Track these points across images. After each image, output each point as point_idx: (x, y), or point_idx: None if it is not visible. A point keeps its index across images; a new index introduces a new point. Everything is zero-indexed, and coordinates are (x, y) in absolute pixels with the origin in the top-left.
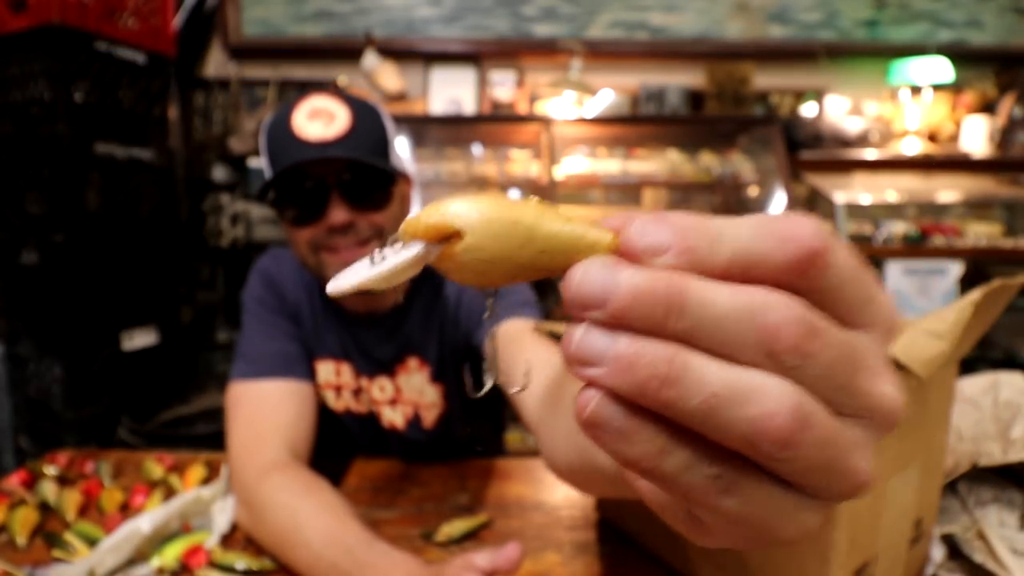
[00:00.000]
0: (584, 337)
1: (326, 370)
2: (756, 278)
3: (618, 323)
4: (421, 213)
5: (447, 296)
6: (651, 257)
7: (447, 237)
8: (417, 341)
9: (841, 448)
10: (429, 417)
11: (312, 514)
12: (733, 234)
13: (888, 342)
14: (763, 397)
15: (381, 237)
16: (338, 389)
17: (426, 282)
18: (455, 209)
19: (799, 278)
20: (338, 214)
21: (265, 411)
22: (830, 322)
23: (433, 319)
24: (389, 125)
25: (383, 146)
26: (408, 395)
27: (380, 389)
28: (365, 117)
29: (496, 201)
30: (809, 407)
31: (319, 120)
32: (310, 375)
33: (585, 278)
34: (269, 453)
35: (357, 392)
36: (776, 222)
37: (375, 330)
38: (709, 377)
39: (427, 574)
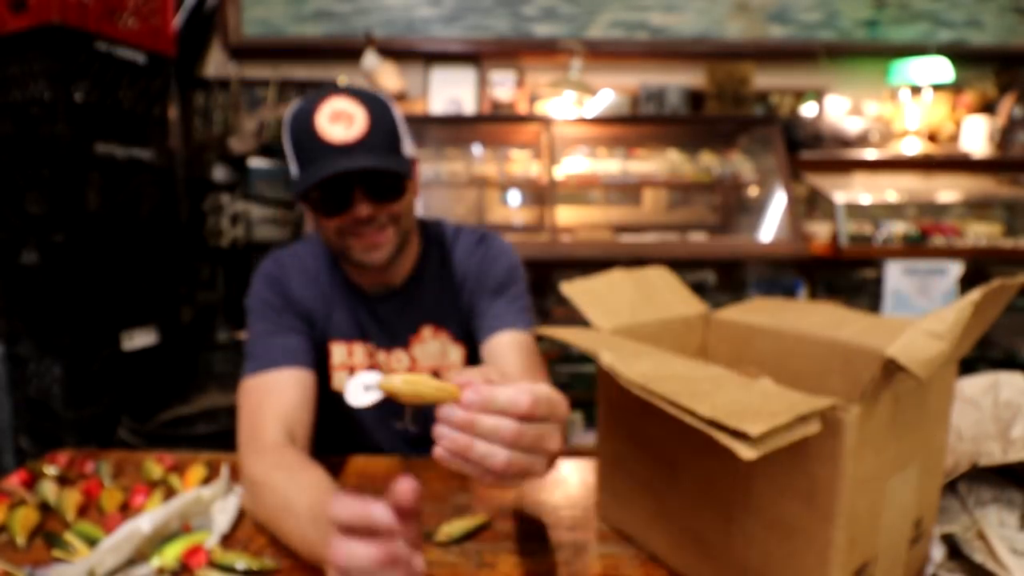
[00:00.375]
0: (441, 430)
1: (339, 352)
2: (511, 415)
3: (453, 428)
4: (384, 381)
5: (462, 265)
6: (468, 407)
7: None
8: (431, 309)
9: (532, 467)
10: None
11: (300, 491)
12: (501, 398)
13: (562, 424)
14: (496, 456)
15: (396, 222)
16: (351, 369)
17: (435, 252)
18: (395, 384)
19: (525, 415)
20: (362, 209)
21: (268, 398)
22: (534, 424)
23: (446, 286)
24: (398, 116)
25: (396, 139)
26: (424, 363)
27: (397, 360)
28: (379, 114)
29: (413, 381)
30: (514, 458)
31: (340, 123)
32: (314, 365)
33: (442, 412)
34: (268, 436)
35: (370, 370)
36: (517, 393)
37: (391, 302)
38: (480, 449)
39: None
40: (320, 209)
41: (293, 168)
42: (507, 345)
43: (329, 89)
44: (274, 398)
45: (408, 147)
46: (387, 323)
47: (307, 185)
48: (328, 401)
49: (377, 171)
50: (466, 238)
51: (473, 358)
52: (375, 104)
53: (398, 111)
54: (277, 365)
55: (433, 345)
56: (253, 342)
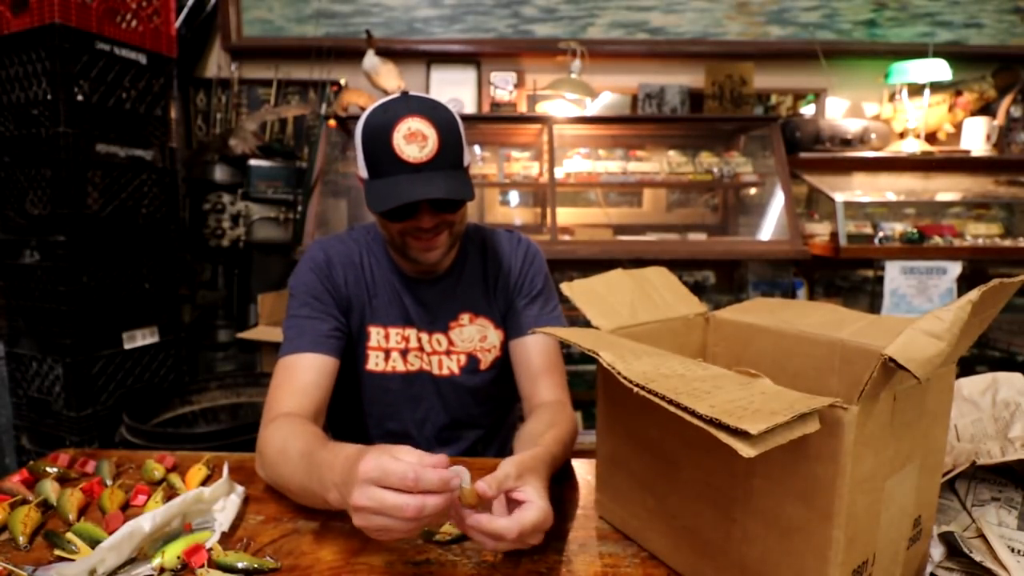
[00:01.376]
0: (470, 533)
1: (377, 335)
2: (504, 541)
3: (474, 533)
4: (461, 494)
5: (496, 263)
6: (476, 528)
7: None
8: (469, 298)
9: (522, 548)
10: (487, 359)
11: (295, 441)
12: (499, 528)
13: (547, 529)
14: (500, 548)
15: (451, 227)
16: (387, 352)
17: (474, 247)
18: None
19: (513, 540)
20: (426, 220)
21: (288, 379)
22: (520, 540)
23: (487, 278)
24: (462, 129)
25: (461, 154)
26: (460, 346)
27: (437, 342)
28: (448, 133)
29: (464, 491)
30: (511, 548)
31: (415, 143)
32: (340, 351)
33: (469, 533)
34: (280, 407)
35: (405, 353)
36: (508, 526)
37: (433, 289)
38: (488, 546)
39: (357, 458)
40: (388, 216)
41: (363, 172)
42: (533, 348)
43: (405, 106)
44: (293, 378)
45: (467, 156)
46: (429, 307)
47: (386, 208)
48: (362, 379)
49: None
50: (502, 237)
51: (506, 347)
52: (444, 123)
53: (461, 123)
54: (304, 350)
55: (470, 330)
56: (289, 325)
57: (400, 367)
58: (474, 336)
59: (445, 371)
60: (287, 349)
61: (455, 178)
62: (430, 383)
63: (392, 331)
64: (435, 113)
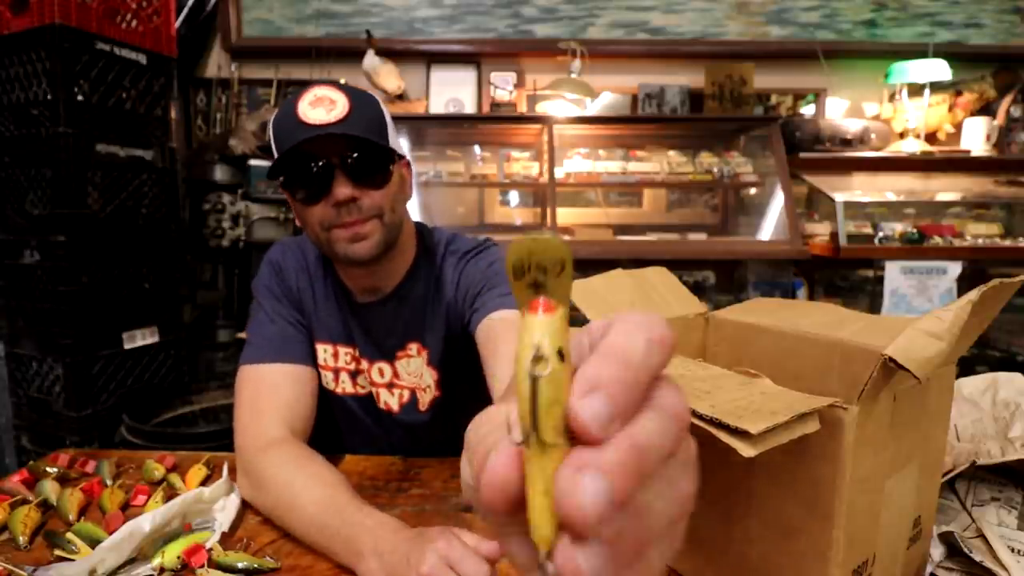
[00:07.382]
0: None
1: (324, 352)
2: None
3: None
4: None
5: (447, 281)
6: None
7: None
8: (418, 326)
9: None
10: (424, 399)
11: (307, 485)
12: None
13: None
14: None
15: (381, 215)
16: (336, 372)
17: (426, 265)
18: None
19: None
20: (342, 190)
21: (265, 392)
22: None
23: (434, 304)
24: (386, 112)
25: (381, 128)
26: (405, 379)
27: (379, 372)
28: (363, 103)
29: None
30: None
31: (321, 107)
32: (311, 358)
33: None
34: (269, 430)
35: (354, 375)
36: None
37: (379, 312)
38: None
39: (408, 535)
40: (301, 198)
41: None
42: (500, 323)
43: (315, 82)
44: (269, 391)
45: (395, 142)
46: (373, 333)
47: (282, 151)
48: (326, 394)
49: (356, 148)
50: (455, 253)
51: (448, 382)
52: (359, 95)
53: (386, 109)
54: (275, 359)
55: (416, 363)
56: (253, 329)
57: (349, 389)
58: (417, 370)
59: (383, 405)
60: (256, 355)
61: (367, 133)
62: (378, 414)
63: (341, 349)
64: (350, 87)
